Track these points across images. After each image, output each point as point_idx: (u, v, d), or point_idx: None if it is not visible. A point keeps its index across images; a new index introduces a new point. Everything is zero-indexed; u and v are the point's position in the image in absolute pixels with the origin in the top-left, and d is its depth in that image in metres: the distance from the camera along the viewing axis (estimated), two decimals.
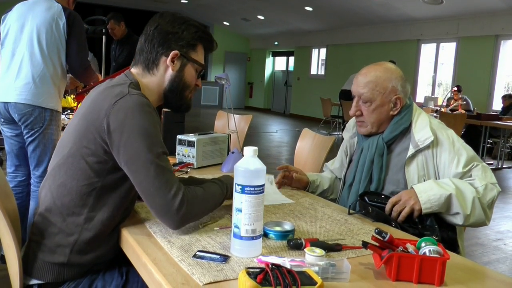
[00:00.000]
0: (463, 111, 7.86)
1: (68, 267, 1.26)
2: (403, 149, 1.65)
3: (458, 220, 1.49)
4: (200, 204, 1.27)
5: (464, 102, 8.35)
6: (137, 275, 1.22)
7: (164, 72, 1.37)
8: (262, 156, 1.14)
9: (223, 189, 1.40)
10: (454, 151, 1.58)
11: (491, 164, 7.36)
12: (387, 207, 1.50)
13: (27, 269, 1.27)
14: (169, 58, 1.35)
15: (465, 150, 1.60)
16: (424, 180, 1.58)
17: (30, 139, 2.52)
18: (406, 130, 1.66)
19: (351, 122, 1.91)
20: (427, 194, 1.47)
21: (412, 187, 1.52)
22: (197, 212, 1.27)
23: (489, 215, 1.52)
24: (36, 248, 1.28)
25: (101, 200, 1.26)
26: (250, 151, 1.11)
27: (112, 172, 1.25)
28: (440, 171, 1.60)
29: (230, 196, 1.38)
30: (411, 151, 1.61)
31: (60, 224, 1.26)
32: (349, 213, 1.54)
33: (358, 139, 1.81)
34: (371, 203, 1.52)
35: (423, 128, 1.62)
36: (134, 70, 1.39)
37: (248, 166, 1.09)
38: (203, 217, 1.32)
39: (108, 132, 1.20)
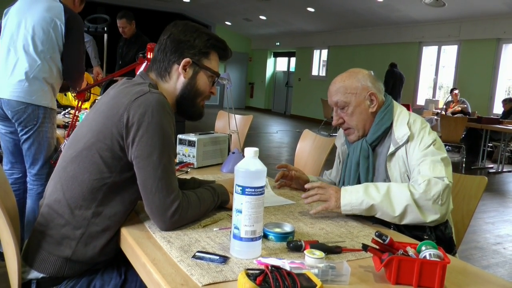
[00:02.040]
0: (461, 110, 7.86)
1: (71, 263, 1.26)
2: (385, 148, 1.65)
3: (387, 221, 1.48)
4: (192, 211, 1.31)
5: (464, 105, 8.36)
6: (136, 274, 1.22)
7: (177, 80, 1.39)
8: (262, 156, 1.13)
9: (215, 198, 1.43)
10: (420, 147, 1.56)
11: (491, 167, 7.37)
12: (314, 184, 1.51)
13: (28, 259, 1.27)
14: (180, 66, 1.37)
15: (429, 146, 1.56)
16: (408, 177, 1.57)
17: (24, 136, 2.51)
18: (389, 130, 1.65)
19: (342, 129, 1.90)
20: (350, 197, 1.46)
21: (343, 188, 1.51)
22: (188, 218, 1.31)
23: (438, 210, 1.45)
24: (41, 238, 1.28)
25: (110, 196, 1.27)
26: (251, 152, 1.11)
27: (125, 169, 1.27)
28: (411, 166, 1.58)
29: (222, 204, 1.47)
30: (391, 149, 1.61)
31: (68, 216, 1.26)
32: (346, 214, 1.54)
33: (347, 144, 1.82)
34: None
35: (402, 125, 1.62)
36: (152, 75, 1.41)
37: (248, 167, 1.09)
38: (191, 222, 1.34)
39: (126, 126, 1.22)
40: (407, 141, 1.58)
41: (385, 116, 1.65)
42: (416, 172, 1.53)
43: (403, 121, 1.63)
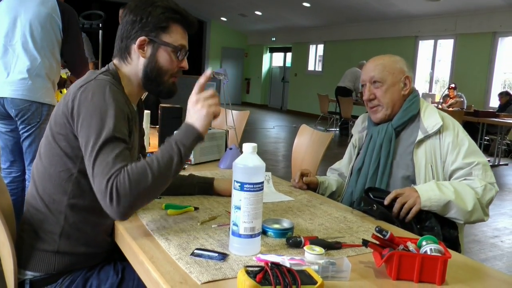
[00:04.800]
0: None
1: (59, 256, 1.25)
2: (411, 135, 1.70)
3: (459, 220, 1.55)
4: (140, 188, 1.08)
5: (461, 99, 8.36)
6: (133, 272, 1.20)
7: (138, 61, 1.33)
8: (259, 152, 1.12)
9: (173, 147, 1.14)
10: (457, 141, 1.64)
11: (488, 161, 7.36)
12: (390, 195, 1.51)
13: (20, 262, 1.26)
14: (136, 46, 1.30)
15: (467, 142, 1.65)
16: (432, 167, 1.63)
17: (26, 134, 2.50)
18: (415, 118, 1.72)
19: (360, 118, 1.96)
20: (428, 194, 1.51)
21: (413, 186, 1.55)
22: (137, 199, 1.10)
23: (487, 212, 1.60)
24: (27, 236, 1.27)
25: (80, 187, 1.25)
26: (249, 147, 1.09)
27: None
28: (442, 157, 1.64)
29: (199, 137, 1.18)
30: (420, 136, 1.66)
31: (45, 211, 1.26)
32: (353, 209, 1.54)
33: (368, 129, 1.86)
34: (376, 199, 1.50)
35: (432, 115, 1.69)
36: (114, 61, 1.37)
37: (247, 163, 1.07)
38: (152, 199, 1.19)
39: (71, 115, 1.19)
40: (439, 131, 1.65)
41: (413, 105, 1.72)
42: (465, 173, 1.61)
43: (431, 112, 1.70)
